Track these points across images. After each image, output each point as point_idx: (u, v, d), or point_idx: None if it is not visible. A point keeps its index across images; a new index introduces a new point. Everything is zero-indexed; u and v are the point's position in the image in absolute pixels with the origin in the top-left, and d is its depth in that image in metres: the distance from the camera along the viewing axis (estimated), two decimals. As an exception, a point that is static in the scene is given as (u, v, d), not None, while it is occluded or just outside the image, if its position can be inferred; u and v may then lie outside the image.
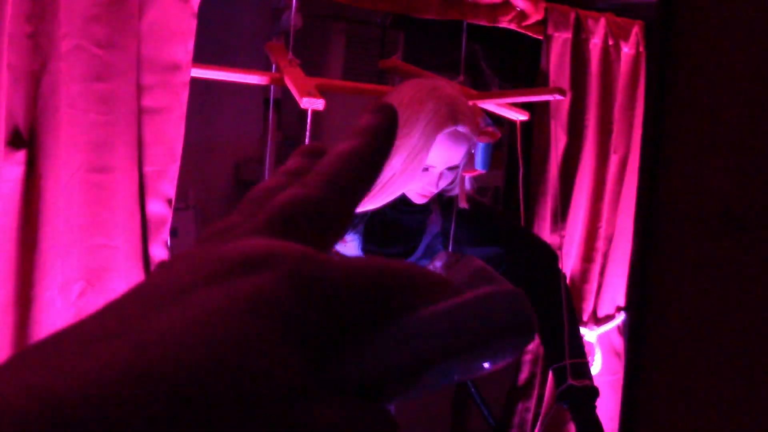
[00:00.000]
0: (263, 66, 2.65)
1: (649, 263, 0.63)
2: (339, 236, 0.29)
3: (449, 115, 1.55)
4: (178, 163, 1.46)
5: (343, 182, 0.30)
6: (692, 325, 0.61)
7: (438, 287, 0.26)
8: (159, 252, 1.45)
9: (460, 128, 1.57)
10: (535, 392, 2.29)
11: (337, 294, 0.24)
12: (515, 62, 4.04)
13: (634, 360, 0.63)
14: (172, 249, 1.52)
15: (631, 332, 0.67)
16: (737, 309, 0.58)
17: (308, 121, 1.57)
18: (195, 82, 1.50)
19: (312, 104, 1.50)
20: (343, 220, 0.29)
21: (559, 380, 1.66)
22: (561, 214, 2.19)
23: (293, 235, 0.27)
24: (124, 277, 1.40)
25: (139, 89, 1.41)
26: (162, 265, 0.26)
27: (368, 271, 0.26)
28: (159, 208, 1.44)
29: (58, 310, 1.34)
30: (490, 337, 0.24)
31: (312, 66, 2.46)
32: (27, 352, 0.22)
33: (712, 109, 0.60)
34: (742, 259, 0.59)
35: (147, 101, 1.41)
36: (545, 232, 2.17)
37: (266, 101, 2.81)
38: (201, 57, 1.50)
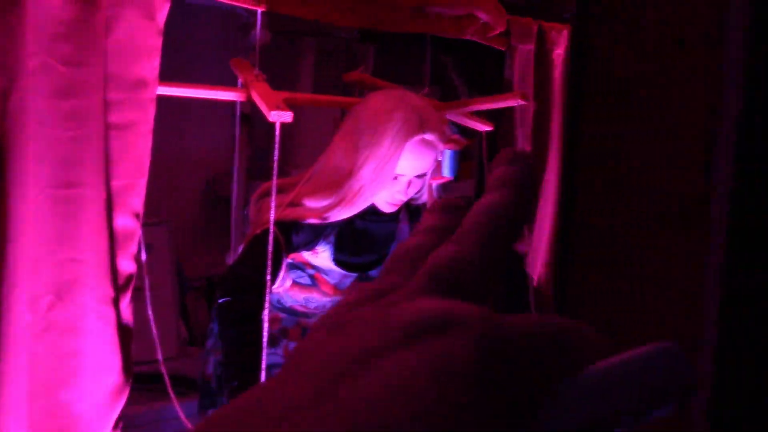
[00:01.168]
0: (231, 81, 2.67)
1: (569, 261, 0.66)
2: (490, 293, 0.30)
3: (417, 124, 1.59)
4: (146, 178, 1.47)
5: (493, 241, 0.31)
6: (608, 322, 0.64)
7: (603, 346, 0.27)
8: (126, 265, 1.46)
9: (428, 136, 1.60)
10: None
11: (521, 356, 0.25)
12: (485, 74, 4.09)
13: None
14: (147, 265, 1.53)
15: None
16: (660, 303, 0.62)
17: (277, 134, 1.60)
18: (165, 98, 1.52)
19: (280, 117, 1.53)
20: (494, 277, 0.30)
21: None
22: (528, 224, 2.23)
23: (457, 295, 0.28)
24: (92, 290, 1.41)
25: (106, 105, 1.42)
26: (327, 329, 0.27)
27: (545, 330, 0.26)
28: (127, 222, 1.45)
29: (28, 323, 1.35)
30: (657, 396, 0.25)
31: (283, 81, 2.49)
32: (225, 417, 0.23)
33: (626, 110, 0.64)
34: (663, 254, 0.62)
35: (114, 117, 1.43)
36: (513, 239, 2.20)
37: (235, 116, 2.82)
38: (168, 72, 1.52)
